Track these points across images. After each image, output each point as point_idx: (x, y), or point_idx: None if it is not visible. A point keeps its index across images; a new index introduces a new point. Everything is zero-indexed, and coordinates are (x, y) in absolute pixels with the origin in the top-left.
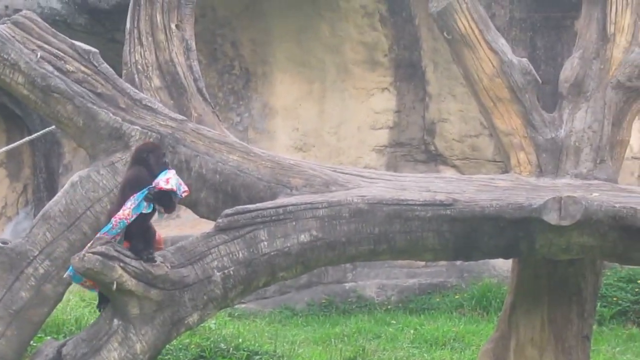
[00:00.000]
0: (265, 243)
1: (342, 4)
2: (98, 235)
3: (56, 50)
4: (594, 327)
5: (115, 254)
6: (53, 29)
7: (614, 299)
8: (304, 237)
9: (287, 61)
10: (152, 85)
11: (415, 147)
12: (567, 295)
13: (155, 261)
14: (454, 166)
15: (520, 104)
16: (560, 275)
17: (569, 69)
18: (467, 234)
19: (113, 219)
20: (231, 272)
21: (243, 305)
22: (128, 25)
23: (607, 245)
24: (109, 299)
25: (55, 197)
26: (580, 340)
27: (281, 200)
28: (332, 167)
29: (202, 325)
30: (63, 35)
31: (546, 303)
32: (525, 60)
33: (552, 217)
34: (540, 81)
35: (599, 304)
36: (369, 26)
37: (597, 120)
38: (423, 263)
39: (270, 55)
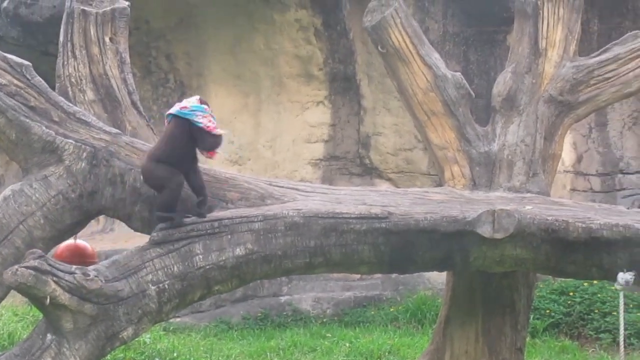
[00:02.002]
0: (201, 256)
1: (276, 18)
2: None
3: None
4: (527, 339)
5: (48, 267)
6: None
7: (547, 311)
8: (239, 251)
9: (222, 74)
10: (86, 99)
11: (350, 161)
12: (501, 308)
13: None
14: (388, 179)
15: (454, 117)
16: (494, 287)
17: (502, 83)
18: (402, 246)
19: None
20: (166, 286)
21: (178, 319)
22: (61, 38)
23: (540, 258)
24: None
25: None
26: (513, 353)
27: (216, 214)
28: (267, 181)
29: (136, 339)
30: None
31: (480, 315)
32: (458, 74)
33: (485, 230)
34: (473, 95)
35: (532, 317)
36: (304, 40)
37: (529, 134)
38: (358, 276)
39: (205, 68)
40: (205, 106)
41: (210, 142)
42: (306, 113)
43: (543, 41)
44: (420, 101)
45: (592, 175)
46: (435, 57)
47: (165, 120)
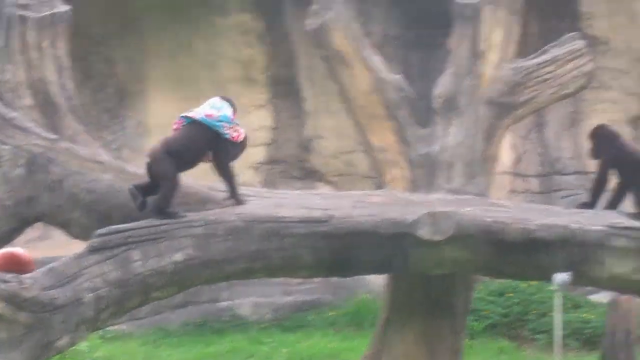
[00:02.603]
0: (139, 263)
1: (217, 22)
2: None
3: None
4: (466, 340)
5: None
6: None
7: (485, 312)
8: (178, 256)
9: (162, 79)
10: (24, 104)
11: (292, 164)
12: (440, 310)
13: None
14: (330, 183)
15: (394, 120)
16: (433, 289)
17: (442, 85)
18: (343, 250)
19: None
20: (103, 293)
21: (116, 327)
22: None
23: (479, 260)
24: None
25: None
26: (452, 355)
27: (155, 220)
28: (208, 185)
29: (73, 348)
30: None
31: (419, 318)
32: (399, 77)
33: (425, 232)
34: (414, 97)
35: (470, 318)
36: (245, 44)
37: (469, 136)
38: (298, 280)
39: (146, 73)
40: (231, 113)
41: (233, 153)
42: (248, 117)
43: (482, 44)
44: (361, 104)
45: (530, 176)
46: (377, 60)
47: (180, 120)
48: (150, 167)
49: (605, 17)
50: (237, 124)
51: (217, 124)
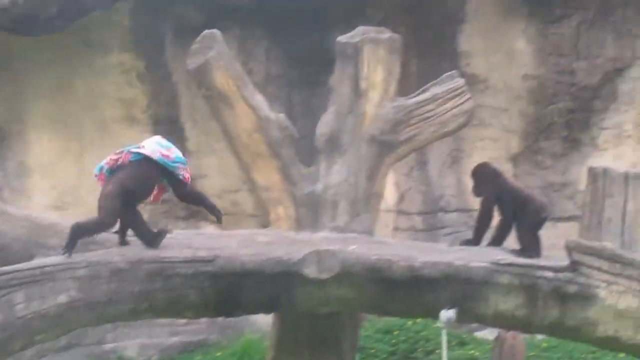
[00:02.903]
0: (22, 305)
1: (98, 61)
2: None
3: None
4: None
5: None
6: None
7: (372, 350)
8: (62, 298)
9: (43, 119)
10: None
11: (176, 204)
12: (327, 348)
13: None
14: (215, 222)
15: (278, 159)
16: (320, 328)
17: (325, 123)
18: (229, 289)
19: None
20: None
21: None
22: None
23: (365, 297)
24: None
25: None
26: None
27: (39, 261)
28: None
29: None
30: None
31: (306, 357)
32: (282, 115)
33: (311, 271)
34: (297, 136)
35: (357, 356)
36: (127, 83)
37: (352, 174)
38: (184, 320)
39: (26, 114)
40: (181, 153)
41: (184, 192)
42: None
43: (364, 82)
44: (245, 143)
45: (414, 214)
46: (259, 99)
47: (127, 154)
48: (99, 201)
49: (483, 55)
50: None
51: (174, 165)
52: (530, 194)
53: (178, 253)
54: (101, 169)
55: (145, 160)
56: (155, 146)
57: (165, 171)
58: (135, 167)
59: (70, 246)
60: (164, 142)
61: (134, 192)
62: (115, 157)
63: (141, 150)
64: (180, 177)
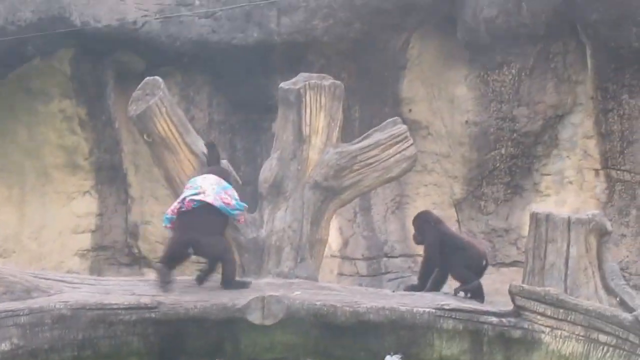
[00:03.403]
0: None
1: (40, 108)
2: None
3: None
4: None
5: None
6: None
7: None
8: (4, 346)
9: None
10: None
11: (119, 251)
12: None
13: None
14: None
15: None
16: None
17: (268, 169)
18: (173, 336)
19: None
20: None
21: None
22: None
23: (310, 343)
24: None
25: None
26: None
27: None
28: (33, 273)
29: None
30: None
31: None
32: (225, 161)
33: (255, 317)
34: (240, 182)
35: None
36: (68, 130)
37: (296, 220)
38: None
39: None
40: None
41: None
42: (72, 203)
43: (307, 128)
44: None
45: (358, 259)
46: (202, 145)
47: (190, 202)
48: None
49: (426, 102)
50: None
51: (234, 212)
52: (470, 241)
53: (121, 299)
54: (170, 219)
55: (208, 207)
56: (215, 191)
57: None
58: (198, 215)
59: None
60: (223, 183)
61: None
62: (178, 205)
63: (201, 198)
64: (238, 220)
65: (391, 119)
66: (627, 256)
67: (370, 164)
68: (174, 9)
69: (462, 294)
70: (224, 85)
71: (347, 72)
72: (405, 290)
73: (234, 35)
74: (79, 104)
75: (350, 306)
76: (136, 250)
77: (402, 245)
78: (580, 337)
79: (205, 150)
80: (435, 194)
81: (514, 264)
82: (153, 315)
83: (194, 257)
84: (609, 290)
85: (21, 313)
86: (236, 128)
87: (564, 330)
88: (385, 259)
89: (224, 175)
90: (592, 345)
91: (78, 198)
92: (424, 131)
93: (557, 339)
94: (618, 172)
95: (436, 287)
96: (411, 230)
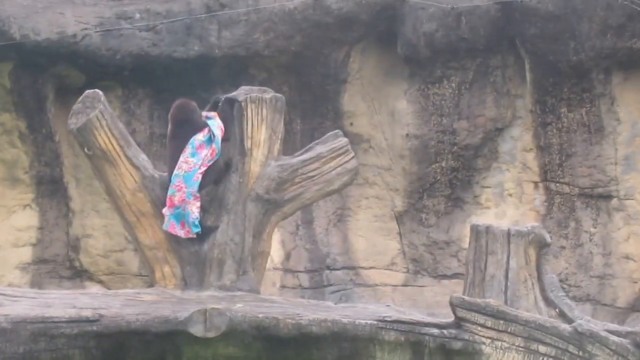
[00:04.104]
0: None
1: None
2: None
3: None
4: None
5: None
6: None
7: None
8: None
9: None
10: None
11: (60, 264)
12: None
13: None
14: (100, 282)
15: (162, 218)
16: None
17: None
18: (114, 349)
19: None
20: None
21: None
22: None
23: (252, 356)
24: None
25: None
26: None
27: None
28: None
29: None
30: None
31: None
32: (166, 174)
33: (197, 329)
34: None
35: None
36: (8, 143)
37: (238, 233)
38: None
39: None
40: None
41: None
42: (13, 217)
43: (248, 141)
44: (129, 202)
45: (300, 272)
46: (143, 158)
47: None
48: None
49: (366, 115)
50: None
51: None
52: None
53: (62, 313)
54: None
55: None
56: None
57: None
58: None
59: None
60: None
61: None
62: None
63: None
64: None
65: (332, 132)
66: (566, 268)
67: (312, 177)
68: (114, 22)
69: None
70: (165, 98)
71: (288, 86)
72: None
73: (175, 49)
74: (18, 117)
75: (292, 318)
76: (77, 264)
77: (345, 258)
78: (521, 348)
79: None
80: (376, 207)
81: (454, 276)
82: (94, 328)
83: (135, 270)
84: (549, 302)
85: None
86: None
87: (505, 341)
88: (327, 271)
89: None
90: (532, 356)
91: (18, 211)
92: (365, 144)
93: (498, 350)
94: (557, 184)
95: None
96: (353, 243)
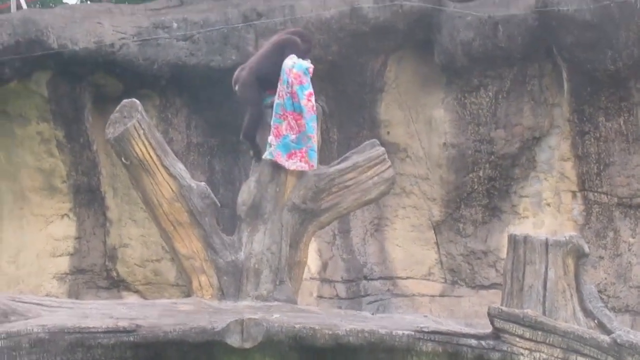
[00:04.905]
0: None
1: (17, 131)
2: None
3: None
4: None
5: None
6: None
7: None
8: None
9: None
10: None
11: (97, 274)
12: None
13: None
14: (137, 291)
15: (200, 227)
16: None
17: (246, 192)
18: (151, 359)
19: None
20: None
21: None
22: None
23: None
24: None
25: None
26: None
27: None
28: (10, 297)
29: None
30: None
31: None
32: (203, 184)
33: (234, 340)
34: (219, 204)
35: None
36: (46, 152)
37: (275, 242)
38: None
39: None
40: None
41: None
42: (50, 226)
43: None
44: (166, 212)
45: (337, 282)
46: (180, 168)
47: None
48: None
49: (403, 124)
50: None
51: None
52: None
53: (100, 323)
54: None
55: None
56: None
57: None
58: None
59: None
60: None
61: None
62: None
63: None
64: None
65: (369, 142)
66: (605, 278)
67: (349, 186)
68: (152, 31)
69: None
70: (202, 107)
71: (325, 95)
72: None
73: (212, 58)
74: (56, 126)
75: (329, 329)
76: (114, 274)
77: (382, 268)
78: (559, 359)
79: None
80: (413, 216)
81: (492, 286)
82: (131, 338)
83: (172, 280)
84: (587, 313)
85: None
86: (214, 150)
87: (543, 352)
88: (364, 281)
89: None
90: None
91: (56, 221)
92: (402, 153)
93: None
94: (595, 194)
95: None
96: (390, 253)
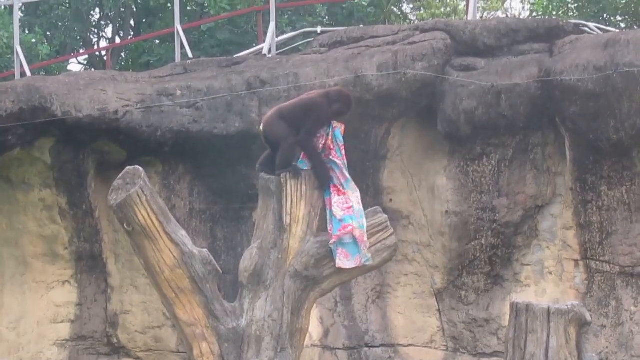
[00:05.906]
0: None
1: (20, 198)
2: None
3: None
4: None
5: None
6: None
7: None
8: None
9: None
10: None
11: (98, 340)
12: None
13: None
14: (137, 358)
15: (201, 294)
16: None
17: (248, 258)
18: None
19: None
20: None
21: None
22: None
23: None
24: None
25: None
26: None
27: None
28: None
29: None
30: None
31: None
32: (205, 250)
33: None
34: (221, 271)
35: None
36: (49, 219)
37: (276, 309)
38: None
39: None
40: None
41: None
42: (52, 293)
43: (287, 217)
44: (168, 278)
45: (339, 349)
46: (182, 234)
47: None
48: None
49: (406, 191)
50: None
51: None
52: None
53: None
54: None
55: None
56: None
57: None
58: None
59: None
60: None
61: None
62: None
63: None
64: None
65: (372, 209)
66: (607, 347)
67: None
68: (155, 98)
69: None
70: (205, 174)
71: None
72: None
73: (216, 125)
74: (59, 193)
75: None
76: (115, 340)
77: (383, 335)
78: None
79: None
80: (416, 284)
81: (494, 354)
82: None
83: (172, 347)
84: None
85: None
86: (217, 217)
87: None
88: (366, 348)
89: None
90: None
91: (57, 287)
92: (405, 221)
93: None
94: (597, 262)
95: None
96: (392, 320)
